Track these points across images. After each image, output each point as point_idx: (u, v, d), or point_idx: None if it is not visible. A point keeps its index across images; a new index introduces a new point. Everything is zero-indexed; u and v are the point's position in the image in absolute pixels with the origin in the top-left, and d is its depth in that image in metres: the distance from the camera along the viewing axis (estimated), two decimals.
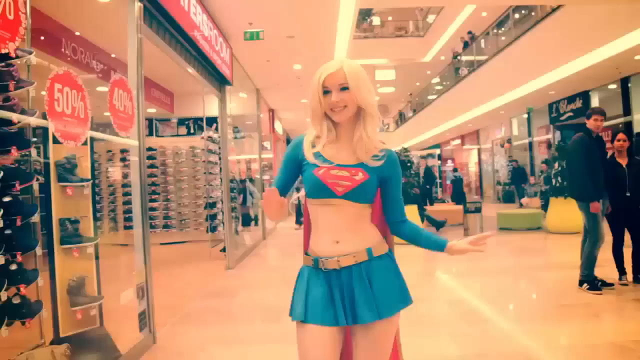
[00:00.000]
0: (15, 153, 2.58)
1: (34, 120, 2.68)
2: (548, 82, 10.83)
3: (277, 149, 16.30)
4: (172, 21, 4.33)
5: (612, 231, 4.55)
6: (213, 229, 7.82)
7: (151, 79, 9.10)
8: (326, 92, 1.50)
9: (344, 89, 1.48)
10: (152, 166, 9.57)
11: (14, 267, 2.56)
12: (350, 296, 1.50)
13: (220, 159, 7.36)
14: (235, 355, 3.37)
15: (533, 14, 11.39)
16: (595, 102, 11.76)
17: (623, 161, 4.51)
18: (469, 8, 13.94)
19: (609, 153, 4.68)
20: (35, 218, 2.73)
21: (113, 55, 6.67)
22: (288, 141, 19.53)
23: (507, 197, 15.44)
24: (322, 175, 1.51)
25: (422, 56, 19.59)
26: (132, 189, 3.56)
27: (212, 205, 7.75)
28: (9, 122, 2.53)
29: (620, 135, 4.55)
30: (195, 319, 4.28)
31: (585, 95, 11.90)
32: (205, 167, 7.89)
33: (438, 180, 18.76)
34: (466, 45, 15.97)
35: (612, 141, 4.73)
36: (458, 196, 13.11)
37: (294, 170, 1.60)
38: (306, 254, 1.63)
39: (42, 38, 5.22)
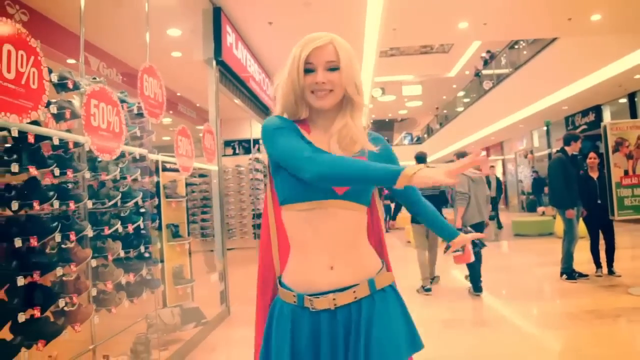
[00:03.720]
0: (148, 179, 3.95)
1: (154, 157, 4.06)
2: (561, 98, 11.77)
3: None
4: (236, 76, 5.70)
5: (589, 232, 5.56)
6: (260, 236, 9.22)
7: (203, 108, 10.59)
8: (308, 70, 1.21)
9: (333, 69, 1.20)
10: (205, 183, 11.03)
11: (147, 255, 3.92)
12: (344, 348, 1.17)
13: (265, 175, 8.75)
14: None
15: None
16: (607, 115, 12.55)
17: (594, 175, 5.53)
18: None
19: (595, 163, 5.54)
20: (156, 223, 4.10)
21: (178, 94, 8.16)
22: None
23: (531, 206, 16.21)
24: None
25: (447, 71, 20.64)
26: (212, 202, 4.90)
27: (259, 215, 9.12)
28: (144, 159, 3.90)
29: (592, 154, 5.57)
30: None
31: (597, 109, 12.71)
32: (251, 183, 9.29)
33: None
34: (486, 63, 16.96)
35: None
36: None
37: None
38: (282, 284, 1.26)
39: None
